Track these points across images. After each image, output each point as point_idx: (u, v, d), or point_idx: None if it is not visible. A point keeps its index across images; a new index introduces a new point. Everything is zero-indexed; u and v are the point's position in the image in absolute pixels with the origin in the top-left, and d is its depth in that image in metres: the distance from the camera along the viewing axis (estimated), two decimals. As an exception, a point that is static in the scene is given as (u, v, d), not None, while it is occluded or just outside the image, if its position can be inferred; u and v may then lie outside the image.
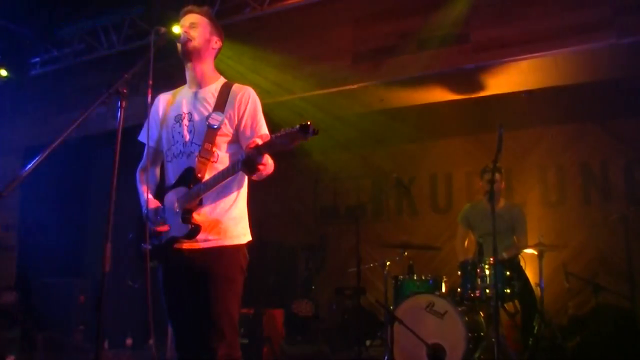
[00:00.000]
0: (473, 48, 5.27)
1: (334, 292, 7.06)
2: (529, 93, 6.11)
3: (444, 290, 5.20)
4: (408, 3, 5.68)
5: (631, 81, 5.54)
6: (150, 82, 2.45)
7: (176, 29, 2.74)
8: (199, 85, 2.79)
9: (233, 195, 2.69)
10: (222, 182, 2.55)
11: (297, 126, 2.12)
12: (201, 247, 2.60)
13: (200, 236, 2.59)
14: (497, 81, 5.81)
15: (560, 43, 4.96)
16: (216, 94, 2.74)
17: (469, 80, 5.67)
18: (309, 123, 2.10)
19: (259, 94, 2.78)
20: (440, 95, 6.25)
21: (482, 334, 4.84)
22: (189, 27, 2.75)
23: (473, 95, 6.23)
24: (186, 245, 2.60)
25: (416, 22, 5.55)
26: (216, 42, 2.84)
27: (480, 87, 5.99)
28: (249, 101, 2.70)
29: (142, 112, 2.68)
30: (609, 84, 5.80)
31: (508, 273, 4.96)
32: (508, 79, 5.74)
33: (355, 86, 5.86)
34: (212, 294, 2.53)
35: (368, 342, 5.81)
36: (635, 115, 6.23)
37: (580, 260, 6.27)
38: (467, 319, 4.65)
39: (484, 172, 5.56)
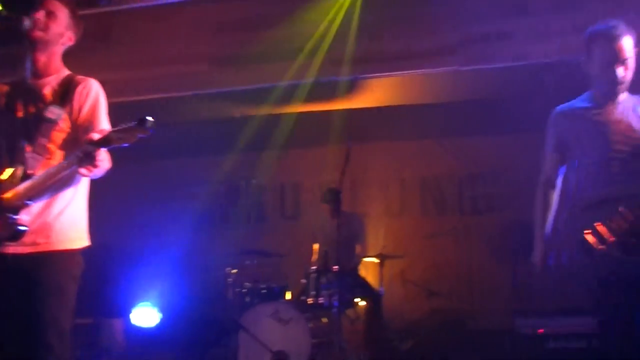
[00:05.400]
0: (330, 61, 5.42)
1: (182, 301, 6.87)
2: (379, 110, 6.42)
3: (289, 297, 5.29)
4: (270, 14, 5.70)
5: (472, 104, 6.00)
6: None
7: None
8: (40, 76, 2.57)
9: (68, 195, 2.49)
10: (55, 179, 2.34)
11: (135, 121, 2.02)
12: (27, 251, 2.37)
13: (27, 239, 2.35)
14: (351, 96, 6.02)
15: (411, 64, 5.28)
16: (56, 87, 2.54)
17: (321, 91, 5.81)
18: (147, 118, 2.01)
19: (109, 91, 2.63)
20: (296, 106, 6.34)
21: (325, 339, 4.99)
22: (45, 15, 2.52)
23: (320, 108, 6.40)
24: (11, 249, 2.36)
25: (274, 32, 5.59)
26: (69, 39, 2.62)
27: (333, 99, 6.17)
28: (90, 93, 2.52)
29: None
30: (451, 106, 6.25)
31: (351, 281, 5.19)
32: (360, 95, 5.99)
33: (211, 91, 5.79)
34: (39, 304, 2.33)
35: (213, 351, 5.73)
36: (473, 134, 6.70)
37: (416, 268, 6.69)
38: (311, 325, 4.76)
39: (327, 194, 5.80)
